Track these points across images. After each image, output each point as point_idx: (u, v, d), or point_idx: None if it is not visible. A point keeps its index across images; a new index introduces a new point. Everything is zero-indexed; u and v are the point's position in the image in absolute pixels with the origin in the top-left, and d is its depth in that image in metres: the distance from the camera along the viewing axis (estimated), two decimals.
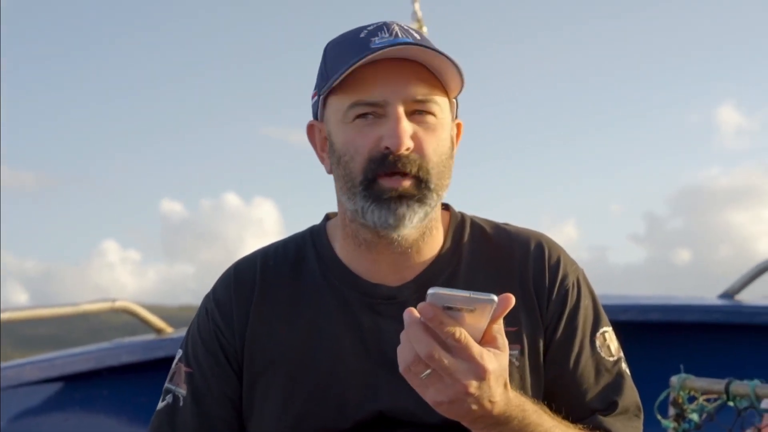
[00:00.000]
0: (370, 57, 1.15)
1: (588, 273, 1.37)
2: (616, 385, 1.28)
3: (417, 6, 3.38)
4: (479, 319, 0.99)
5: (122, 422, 2.89)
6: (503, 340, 1.02)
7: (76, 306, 2.96)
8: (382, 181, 1.19)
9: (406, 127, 1.18)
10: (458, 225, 1.31)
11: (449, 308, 0.97)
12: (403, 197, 1.20)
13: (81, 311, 2.98)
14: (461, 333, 0.98)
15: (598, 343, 1.31)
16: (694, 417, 1.76)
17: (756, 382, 1.65)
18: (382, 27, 1.22)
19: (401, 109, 1.18)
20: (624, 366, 1.30)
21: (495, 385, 1.01)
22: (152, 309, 3.32)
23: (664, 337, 2.69)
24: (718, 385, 1.71)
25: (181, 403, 1.28)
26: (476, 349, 0.99)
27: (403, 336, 1.01)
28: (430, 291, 0.98)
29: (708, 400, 1.75)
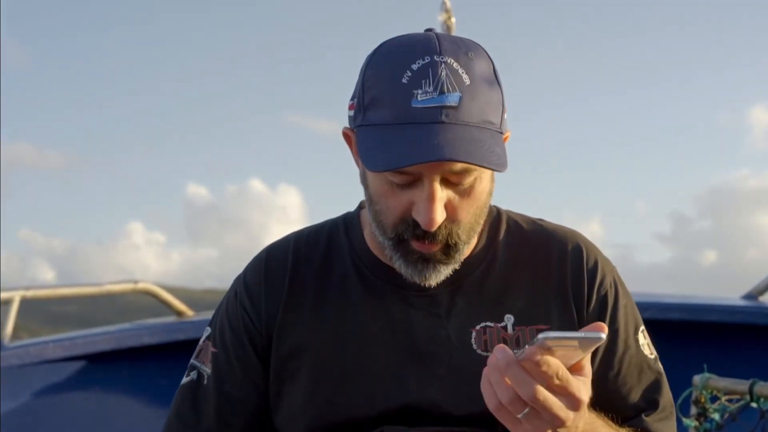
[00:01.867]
0: (408, 158, 1.09)
1: None
2: (657, 383, 1.29)
3: None
4: (578, 353, 1.01)
5: (142, 403, 2.93)
6: (589, 367, 1.04)
7: (99, 286, 3.01)
8: (413, 243, 1.19)
9: (440, 206, 1.16)
10: (494, 220, 1.31)
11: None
12: (430, 260, 1.20)
13: (104, 291, 3.03)
14: (563, 372, 0.99)
15: (640, 341, 1.32)
16: (716, 417, 1.78)
17: None
18: (428, 71, 1.13)
19: (436, 185, 1.15)
20: (660, 364, 1.32)
21: (586, 412, 1.03)
22: (177, 291, 3.39)
23: (686, 337, 2.70)
24: (741, 385, 1.72)
25: (204, 381, 1.30)
26: (574, 383, 1.00)
27: (494, 375, 1.02)
28: (540, 336, 0.97)
29: (731, 401, 1.77)
